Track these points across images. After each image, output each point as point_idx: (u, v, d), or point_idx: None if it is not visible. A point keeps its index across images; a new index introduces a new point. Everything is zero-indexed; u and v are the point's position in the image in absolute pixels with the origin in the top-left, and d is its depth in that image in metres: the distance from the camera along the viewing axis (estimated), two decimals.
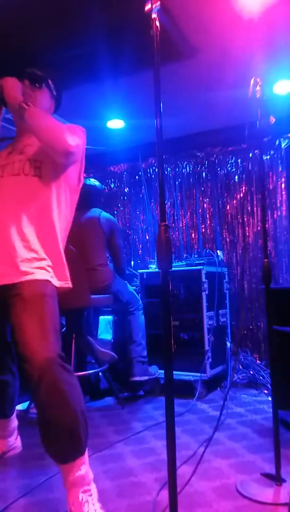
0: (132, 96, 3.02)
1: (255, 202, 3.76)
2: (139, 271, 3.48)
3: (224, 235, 3.89)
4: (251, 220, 3.77)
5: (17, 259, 1.53)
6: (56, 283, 1.58)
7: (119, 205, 4.41)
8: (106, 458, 1.98)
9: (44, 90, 1.77)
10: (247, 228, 3.78)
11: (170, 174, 4.14)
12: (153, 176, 4.20)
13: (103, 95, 3.00)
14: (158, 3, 1.11)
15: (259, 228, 3.70)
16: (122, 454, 2.03)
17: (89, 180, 3.17)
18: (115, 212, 4.38)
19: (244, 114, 1.75)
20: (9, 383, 1.80)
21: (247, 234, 3.78)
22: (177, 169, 4.11)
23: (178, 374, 3.02)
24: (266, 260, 1.73)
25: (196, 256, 3.56)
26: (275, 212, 3.66)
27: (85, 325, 2.93)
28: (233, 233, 3.85)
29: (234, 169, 3.87)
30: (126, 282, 3.16)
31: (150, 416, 2.61)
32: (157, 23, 1.11)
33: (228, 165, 3.89)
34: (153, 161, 4.15)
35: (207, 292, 3.11)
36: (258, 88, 1.70)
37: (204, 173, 4.00)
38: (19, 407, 2.57)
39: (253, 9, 2.13)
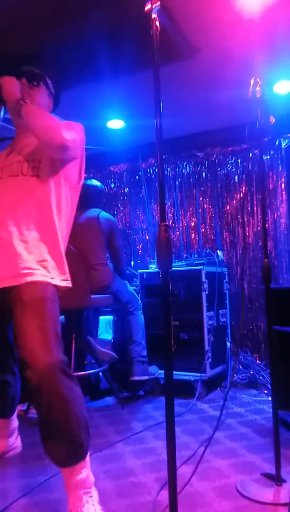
0: (132, 96, 3.02)
1: (255, 202, 3.76)
2: (139, 271, 3.48)
3: (224, 235, 3.89)
4: (251, 220, 3.77)
5: (17, 261, 1.53)
6: (57, 283, 1.58)
7: (119, 205, 4.41)
8: (106, 458, 1.98)
9: (42, 88, 1.77)
10: (247, 228, 3.78)
11: (170, 174, 4.14)
12: (153, 176, 4.20)
13: (103, 95, 3.00)
14: (158, 3, 1.11)
15: (259, 228, 3.70)
16: (122, 454, 2.03)
17: (90, 180, 3.17)
18: (115, 212, 4.38)
19: (244, 114, 1.76)
20: (10, 383, 1.79)
21: (247, 234, 3.78)
22: (177, 169, 4.11)
23: (178, 374, 3.02)
24: (266, 260, 1.73)
25: (196, 256, 3.56)
26: (275, 212, 3.66)
27: (85, 325, 2.94)
28: (233, 233, 3.85)
29: (234, 169, 3.87)
30: (126, 282, 3.16)
31: (150, 416, 2.61)
32: (157, 23, 1.11)
33: (228, 165, 3.89)
34: (153, 161, 4.14)
35: (207, 292, 3.11)
36: (258, 88, 1.70)
37: (204, 173, 4.00)
38: (19, 407, 2.57)
39: (253, 9, 2.13)
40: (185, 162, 4.07)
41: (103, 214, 3.08)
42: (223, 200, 3.90)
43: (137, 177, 4.29)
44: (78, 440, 1.36)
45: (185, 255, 3.78)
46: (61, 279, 1.60)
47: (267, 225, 1.82)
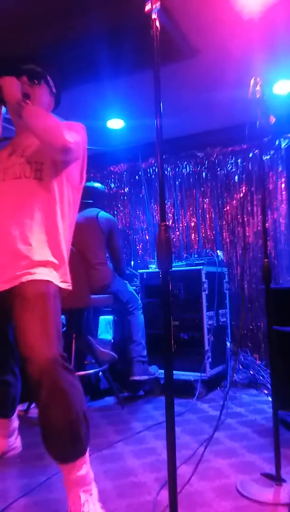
0: (132, 96, 3.02)
1: (255, 202, 3.76)
2: (139, 271, 3.48)
3: (224, 235, 3.89)
4: (251, 220, 3.77)
5: (21, 263, 1.53)
6: (59, 284, 1.58)
7: (119, 205, 4.41)
8: (106, 458, 1.98)
9: (43, 87, 1.75)
10: (247, 228, 3.78)
11: (170, 174, 4.14)
12: (153, 176, 4.20)
13: (103, 95, 3.00)
14: (158, 3, 1.11)
15: (259, 228, 3.70)
16: (122, 454, 2.03)
17: (91, 182, 3.19)
18: (115, 212, 4.39)
19: (244, 114, 1.76)
20: (10, 383, 1.80)
21: (247, 234, 3.78)
22: (177, 169, 4.12)
23: (178, 374, 3.02)
24: (266, 260, 1.73)
25: (196, 256, 3.56)
26: (275, 212, 3.66)
27: (85, 325, 2.94)
28: (233, 233, 3.85)
29: (234, 169, 3.87)
30: (126, 282, 3.16)
31: (150, 416, 2.61)
32: (157, 23, 1.11)
33: (228, 165, 3.89)
34: (153, 161, 4.15)
35: (207, 292, 3.11)
36: (258, 88, 1.70)
37: (204, 173, 4.00)
38: (19, 407, 2.57)
39: (253, 9, 2.13)
40: (185, 162, 4.07)
41: (102, 214, 3.08)
42: (223, 200, 3.90)
43: (137, 177, 4.29)
44: (78, 435, 1.36)
45: (185, 255, 3.78)
46: (60, 281, 1.60)
47: (267, 225, 1.82)
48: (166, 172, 4.14)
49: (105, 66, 2.51)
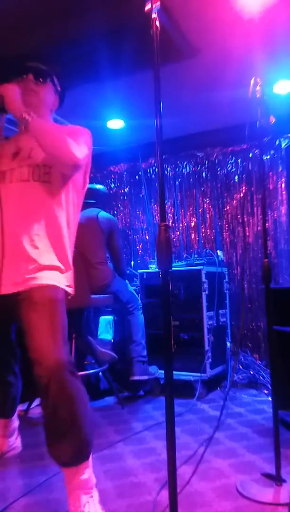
0: (132, 96, 3.02)
1: (255, 202, 3.76)
2: (139, 271, 3.48)
3: (224, 235, 3.89)
4: (251, 220, 3.77)
5: (28, 267, 1.53)
6: (65, 288, 1.59)
7: (119, 205, 4.41)
8: (106, 458, 1.98)
9: (48, 85, 1.73)
10: (247, 228, 3.78)
11: (170, 174, 4.14)
12: (153, 176, 4.20)
13: (103, 95, 3.00)
14: (158, 3, 1.11)
15: (259, 228, 3.70)
16: (122, 454, 2.03)
17: (94, 184, 3.20)
18: (115, 212, 4.39)
19: (244, 114, 1.75)
20: (11, 383, 1.80)
21: (247, 234, 3.78)
22: (177, 169, 4.11)
23: (178, 374, 3.02)
24: (266, 260, 1.73)
25: (196, 256, 3.56)
26: (275, 212, 3.66)
27: (85, 325, 2.93)
28: (233, 233, 3.85)
29: (234, 169, 3.87)
30: (126, 282, 3.16)
31: (150, 416, 2.61)
32: (157, 23, 1.11)
33: (228, 165, 3.89)
34: (153, 161, 4.15)
35: (207, 292, 3.11)
36: (258, 88, 1.70)
37: (204, 173, 4.00)
38: (19, 407, 2.57)
39: (253, 9, 2.13)
40: (185, 162, 4.07)
41: (102, 214, 3.08)
42: (223, 200, 3.90)
43: (137, 177, 4.29)
44: (82, 440, 1.37)
45: (185, 255, 3.78)
46: (66, 285, 1.61)
47: (267, 225, 1.82)
48: (166, 172, 4.14)
49: (105, 66, 2.51)
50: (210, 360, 3.04)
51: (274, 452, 1.63)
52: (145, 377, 2.97)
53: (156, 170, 4.02)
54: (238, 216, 3.82)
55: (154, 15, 1.11)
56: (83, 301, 2.57)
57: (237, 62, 2.57)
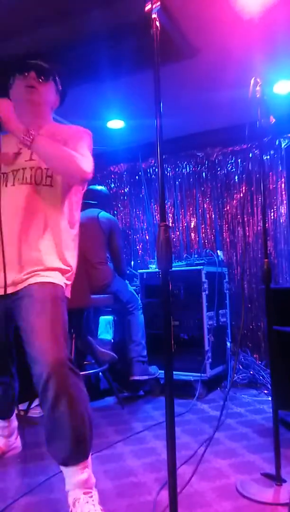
0: (132, 96, 3.02)
1: (255, 202, 3.76)
2: (139, 271, 3.48)
3: (224, 235, 3.89)
4: (251, 220, 3.77)
5: (30, 268, 1.54)
6: (64, 286, 1.59)
7: (119, 205, 4.41)
8: (106, 458, 1.98)
9: (50, 84, 1.72)
10: (247, 228, 3.78)
11: (170, 174, 4.14)
12: (153, 176, 4.20)
13: (103, 95, 3.00)
14: (158, 3, 1.11)
15: (259, 228, 3.70)
16: (122, 454, 2.03)
17: (94, 186, 3.20)
18: (115, 212, 4.38)
19: (244, 114, 1.75)
20: (9, 384, 1.80)
21: (247, 234, 3.78)
22: (177, 169, 4.11)
23: (178, 374, 3.02)
24: (266, 260, 1.73)
25: (196, 256, 3.56)
26: (275, 212, 3.66)
27: (85, 325, 2.93)
28: (233, 233, 3.85)
29: (234, 169, 3.87)
30: (126, 282, 3.16)
31: (150, 416, 2.61)
32: (157, 23, 1.11)
33: (228, 165, 3.89)
34: (153, 161, 4.14)
35: (207, 292, 3.11)
36: (258, 88, 1.70)
37: (204, 173, 4.00)
38: (19, 407, 2.57)
39: (253, 9, 2.13)
40: (185, 162, 4.07)
41: (103, 214, 3.08)
42: (223, 200, 3.90)
43: (137, 177, 4.29)
44: (82, 438, 1.37)
45: (185, 255, 3.77)
46: (65, 284, 1.61)
47: (267, 225, 1.82)
48: (166, 172, 4.14)
49: (105, 66, 2.51)
50: (210, 360, 3.04)
51: (274, 452, 1.63)
52: (145, 377, 2.97)
53: (156, 170, 4.02)
54: (238, 216, 3.82)
55: (154, 15, 1.11)
56: (83, 301, 2.57)
57: (237, 62, 2.57)
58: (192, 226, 4.06)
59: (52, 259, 1.59)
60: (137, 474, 1.81)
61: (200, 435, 2.23)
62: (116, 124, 3.57)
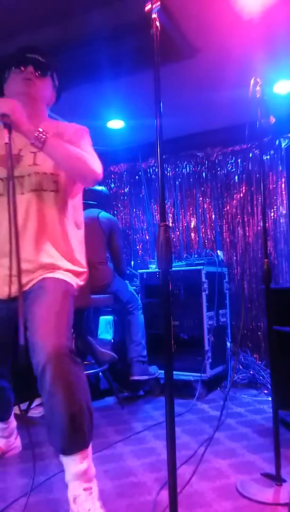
0: (132, 96, 3.02)
1: (255, 202, 3.76)
2: (139, 271, 3.48)
3: (224, 235, 3.89)
4: (251, 220, 3.77)
5: (43, 270, 1.56)
6: (75, 285, 1.61)
7: (119, 205, 4.41)
8: (106, 458, 1.98)
9: (47, 79, 1.69)
10: (247, 228, 3.79)
11: (170, 174, 4.14)
12: (153, 176, 4.21)
13: (103, 95, 3.00)
14: (158, 3, 1.11)
15: (259, 228, 3.70)
16: (122, 454, 2.03)
17: (94, 186, 3.20)
18: (115, 212, 4.39)
19: (244, 114, 1.75)
20: (6, 387, 1.82)
21: (247, 234, 3.78)
22: (177, 169, 4.12)
23: (178, 374, 3.02)
24: (266, 260, 1.73)
25: (196, 256, 3.56)
26: (275, 212, 3.66)
27: (85, 325, 2.93)
28: (233, 233, 3.86)
29: (234, 169, 3.87)
30: (126, 282, 3.16)
31: (150, 416, 2.61)
32: (157, 23, 1.11)
33: (228, 165, 3.89)
34: (153, 161, 4.15)
35: (207, 292, 3.11)
36: (258, 88, 1.70)
37: (204, 173, 4.00)
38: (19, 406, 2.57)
39: (253, 9, 2.14)
40: (185, 162, 4.07)
41: (103, 214, 3.08)
42: (223, 200, 3.90)
43: (137, 177, 4.29)
44: (79, 426, 1.35)
45: (185, 255, 3.78)
46: (77, 284, 1.64)
47: (267, 225, 1.82)
48: (166, 172, 4.14)
49: (105, 66, 2.51)
50: (210, 360, 3.04)
51: (274, 452, 1.63)
52: (145, 377, 2.96)
53: (156, 170, 4.02)
54: (238, 216, 3.82)
55: (154, 15, 1.11)
56: (83, 301, 2.56)
57: (237, 62, 2.57)
58: (192, 226, 4.06)
59: (66, 263, 1.61)
60: (137, 474, 1.81)
61: (200, 435, 2.23)
62: (116, 124, 3.57)
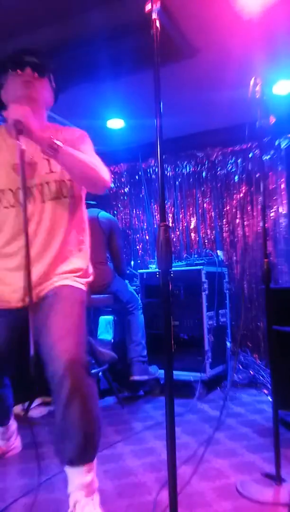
0: (132, 96, 3.02)
1: (255, 202, 3.76)
2: (139, 271, 3.48)
3: (224, 235, 3.89)
4: (251, 220, 3.77)
5: (58, 278, 1.56)
6: (86, 292, 1.62)
7: (119, 205, 4.41)
8: (106, 458, 1.98)
9: (45, 81, 1.66)
10: (247, 228, 3.79)
11: (170, 174, 4.14)
12: (153, 176, 4.20)
13: (103, 95, 3.00)
14: (159, 3, 1.11)
15: (259, 228, 3.70)
16: (122, 454, 2.03)
17: None
18: (115, 212, 4.39)
19: (244, 114, 1.76)
20: (6, 394, 1.84)
21: (247, 234, 3.78)
22: (177, 169, 4.12)
23: (178, 374, 3.02)
24: (266, 260, 1.73)
25: (196, 256, 3.56)
26: (275, 212, 3.66)
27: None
28: (233, 233, 3.86)
29: (234, 169, 3.87)
30: (127, 282, 3.15)
31: (150, 416, 2.61)
32: (158, 24, 1.11)
33: (228, 165, 3.89)
34: (153, 161, 4.15)
35: (207, 292, 3.11)
36: (258, 88, 1.70)
37: (204, 173, 4.00)
38: (19, 407, 2.57)
39: (253, 9, 2.14)
40: (185, 162, 4.07)
41: (103, 214, 3.08)
42: (223, 200, 3.90)
43: (137, 177, 4.29)
44: (91, 439, 1.37)
45: (185, 255, 3.78)
46: (86, 290, 1.65)
47: (267, 225, 1.82)
48: (166, 172, 4.14)
49: (105, 66, 2.51)
50: (210, 360, 3.04)
51: (274, 452, 1.63)
52: (145, 377, 2.96)
53: (156, 170, 4.02)
54: (238, 216, 3.82)
55: (154, 16, 1.11)
56: None
57: (237, 62, 2.57)
58: (192, 226, 4.06)
59: (81, 270, 1.62)
60: (137, 474, 1.81)
61: (200, 435, 2.23)
62: (116, 123, 3.57)
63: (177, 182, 4.12)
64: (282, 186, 3.64)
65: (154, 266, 3.51)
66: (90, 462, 1.39)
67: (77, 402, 1.32)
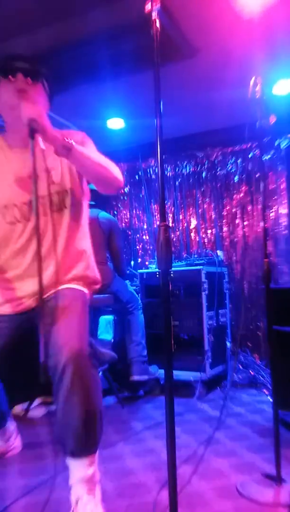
0: (132, 96, 3.02)
1: (255, 202, 3.76)
2: (139, 271, 3.48)
3: (224, 235, 3.89)
4: (251, 220, 3.77)
5: (62, 285, 1.57)
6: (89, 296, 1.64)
7: (119, 205, 4.41)
8: (106, 458, 1.98)
9: (39, 86, 1.62)
10: (247, 228, 3.79)
11: (170, 174, 4.14)
12: (153, 176, 4.21)
13: (103, 95, 3.00)
14: (159, 3, 1.11)
15: (259, 228, 3.70)
16: (122, 454, 2.03)
17: (91, 185, 3.19)
18: (115, 212, 4.39)
19: (244, 114, 1.75)
20: (1, 398, 1.83)
21: (247, 234, 3.78)
22: (177, 169, 4.12)
23: (178, 374, 3.02)
24: (266, 260, 1.73)
25: (196, 256, 3.56)
26: (275, 212, 3.66)
27: None
28: (233, 233, 3.86)
29: (234, 169, 3.87)
30: (127, 282, 3.16)
31: (150, 416, 2.61)
32: (158, 24, 1.11)
33: (228, 165, 3.89)
34: (153, 161, 4.15)
35: (207, 292, 3.11)
36: (258, 88, 1.70)
37: (204, 173, 4.00)
38: (19, 407, 2.57)
39: (253, 9, 2.14)
40: (185, 162, 4.07)
41: (103, 214, 3.08)
42: (223, 200, 3.90)
43: (137, 177, 4.29)
44: (93, 430, 1.36)
45: (185, 255, 3.78)
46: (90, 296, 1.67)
47: (267, 225, 1.82)
48: (166, 172, 4.14)
49: (105, 66, 2.51)
50: (210, 360, 3.04)
51: (274, 452, 1.63)
52: (145, 377, 2.96)
53: (156, 170, 4.02)
54: (238, 216, 3.82)
55: (154, 15, 1.11)
56: None
57: (237, 62, 2.57)
58: (192, 226, 4.06)
59: (83, 276, 1.63)
60: (137, 474, 1.81)
61: (200, 435, 2.23)
62: (116, 123, 3.57)
63: (177, 182, 4.12)
64: (282, 186, 3.64)
65: (154, 266, 3.51)
66: (92, 455, 1.39)
67: (80, 391, 1.31)
